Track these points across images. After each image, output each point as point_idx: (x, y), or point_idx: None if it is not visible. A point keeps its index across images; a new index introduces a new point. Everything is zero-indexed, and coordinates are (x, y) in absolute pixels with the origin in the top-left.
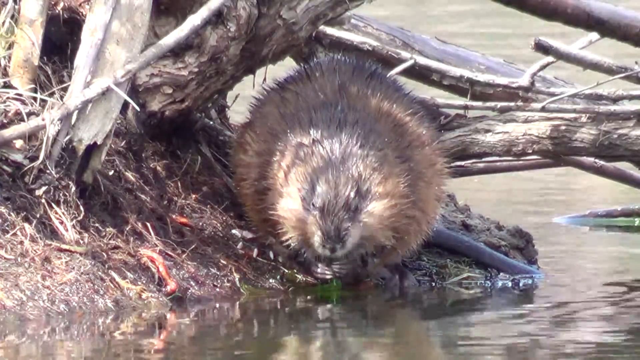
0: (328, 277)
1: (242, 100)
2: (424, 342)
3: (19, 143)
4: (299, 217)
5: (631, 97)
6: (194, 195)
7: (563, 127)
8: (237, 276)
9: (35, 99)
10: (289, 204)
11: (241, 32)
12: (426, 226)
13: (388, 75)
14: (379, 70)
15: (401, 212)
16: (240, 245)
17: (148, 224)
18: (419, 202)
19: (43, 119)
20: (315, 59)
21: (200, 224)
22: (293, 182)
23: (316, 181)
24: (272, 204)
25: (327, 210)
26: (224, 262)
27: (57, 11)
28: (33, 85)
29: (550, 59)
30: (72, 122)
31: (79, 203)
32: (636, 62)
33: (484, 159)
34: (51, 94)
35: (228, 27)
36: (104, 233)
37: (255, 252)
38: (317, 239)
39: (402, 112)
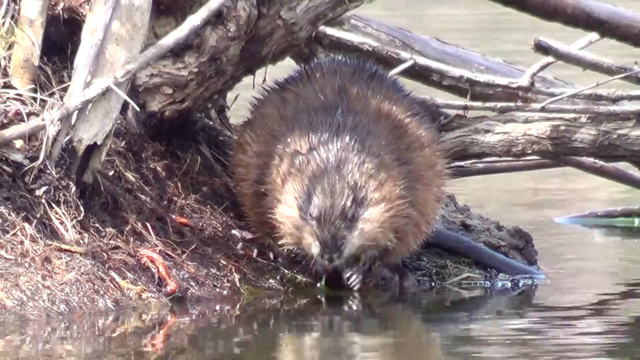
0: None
1: (242, 100)
2: (424, 342)
3: (19, 143)
4: (296, 225)
5: (631, 98)
6: (194, 196)
7: (563, 128)
8: (237, 276)
9: (35, 99)
10: (286, 212)
11: (241, 32)
12: (426, 227)
13: (388, 76)
14: (380, 72)
15: (399, 213)
16: (240, 245)
17: (148, 224)
18: (417, 204)
19: (43, 119)
20: (315, 60)
21: (200, 224)
22: (290, 191)
23: (312, 190)
24: (270, 207)
25: (324, 220)
26: (224, 262)
27: (57, 11)
28: (33, 86)
29: (550, 59)
30: (72, 122)
31: (79, 203)
32: (636, 63)
33: (483, 159)
34: (51, 94)
35: (228, 27)
36: (104, 233)
37: (255, 253)
38: (315, 248)
39: (402, 114)
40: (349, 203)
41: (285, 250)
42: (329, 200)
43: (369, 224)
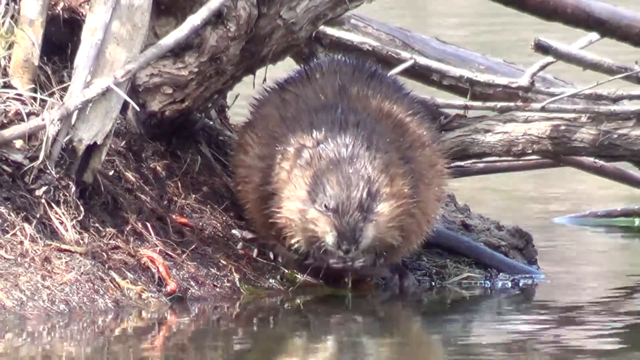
0: (342, 265)
1: (242, 100)
2: (424, 342)
3: (19, 143)
4: (308, 218)
5: (631, 97)
6: (194, 195)
7: (563, 127)
8: (237, 276)
9: (35, 99)
10: (297, 206)
11: (241, 32)
12: (426, 226)
13: (388, 76)
14: (380, 71)
15: (406, 211)
16: (240, 245)
17: (148, 224)
18: (419, 202)
19: (43, 119)
20: (315, 60)
21: (200, 224)
22: (300, 185)
23: (326, 182)
24: (278, 207)
25: (342, 211)
26: (224, 262)
27: (57, 11)
28: (33, 85)
29: (550, 59)
30: (72, 122)
31: (79, 203)
32: (636, 62)
33: (484, 159)
34: (51, 94)
35: (228, 27)
36: (104, 233)
37: (255, 252)
38: (331, 239)
39: (402, 113)
40: (365, 195)
41: (295, 254)
42: (345, 191)
43: (382, 218)
